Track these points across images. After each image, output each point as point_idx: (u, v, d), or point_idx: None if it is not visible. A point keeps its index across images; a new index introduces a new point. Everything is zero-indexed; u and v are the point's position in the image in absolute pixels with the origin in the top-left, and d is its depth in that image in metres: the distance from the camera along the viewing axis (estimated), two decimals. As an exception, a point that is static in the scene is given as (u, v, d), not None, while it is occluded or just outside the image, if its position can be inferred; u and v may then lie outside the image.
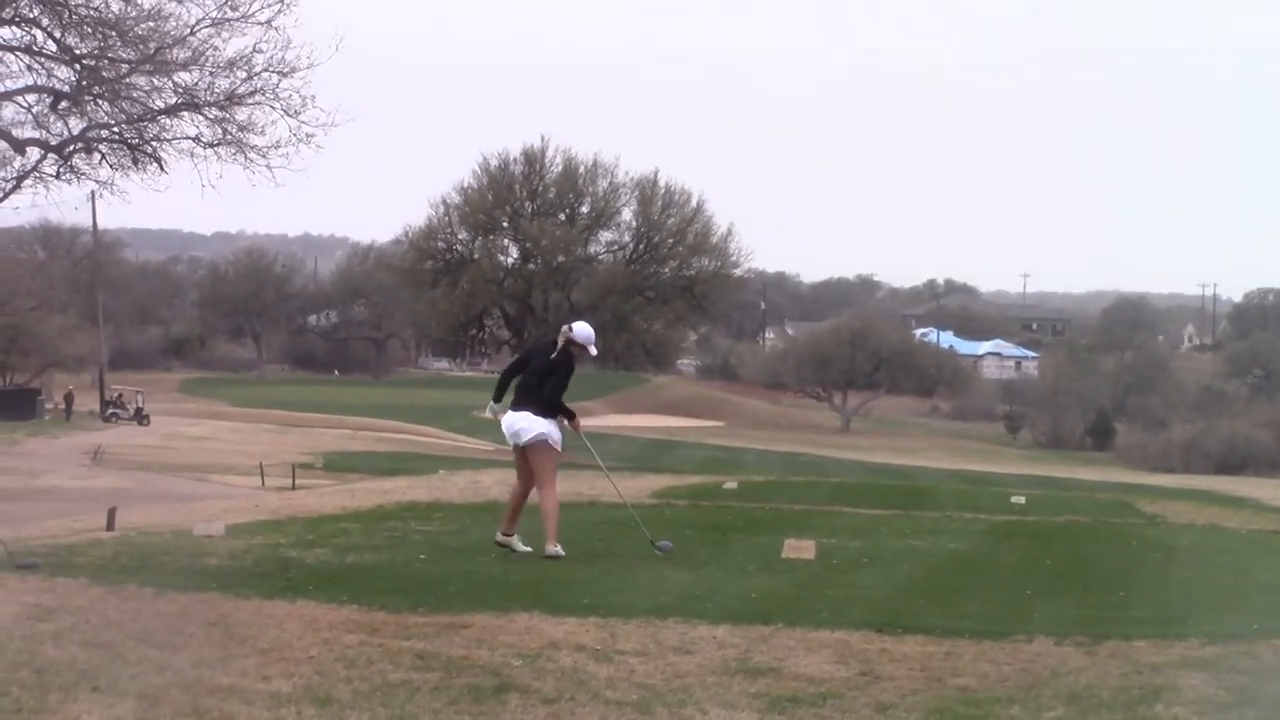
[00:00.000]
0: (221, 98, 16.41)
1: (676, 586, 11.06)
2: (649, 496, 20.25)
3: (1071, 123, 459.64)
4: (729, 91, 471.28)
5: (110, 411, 74.38)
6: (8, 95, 16.61)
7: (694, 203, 71.71)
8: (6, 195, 17.48)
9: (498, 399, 13.31)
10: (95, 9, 15.88)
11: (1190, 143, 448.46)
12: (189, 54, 16.20)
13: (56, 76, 16.50)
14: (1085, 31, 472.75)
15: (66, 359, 78.04)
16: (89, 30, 16.01)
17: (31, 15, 15.93)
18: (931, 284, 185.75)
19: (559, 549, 12.62)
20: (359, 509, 17.72)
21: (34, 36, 16.12)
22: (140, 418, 71.94)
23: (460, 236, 72.07)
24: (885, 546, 14.75)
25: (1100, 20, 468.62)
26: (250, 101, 16.45)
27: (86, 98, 16.47)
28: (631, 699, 7.17)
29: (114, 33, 15.91)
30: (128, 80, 16.30)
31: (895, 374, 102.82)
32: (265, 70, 16.34)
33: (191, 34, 16.13)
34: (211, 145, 16.68)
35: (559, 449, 13.05)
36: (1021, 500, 22.91)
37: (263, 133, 16.65)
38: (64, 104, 16.67)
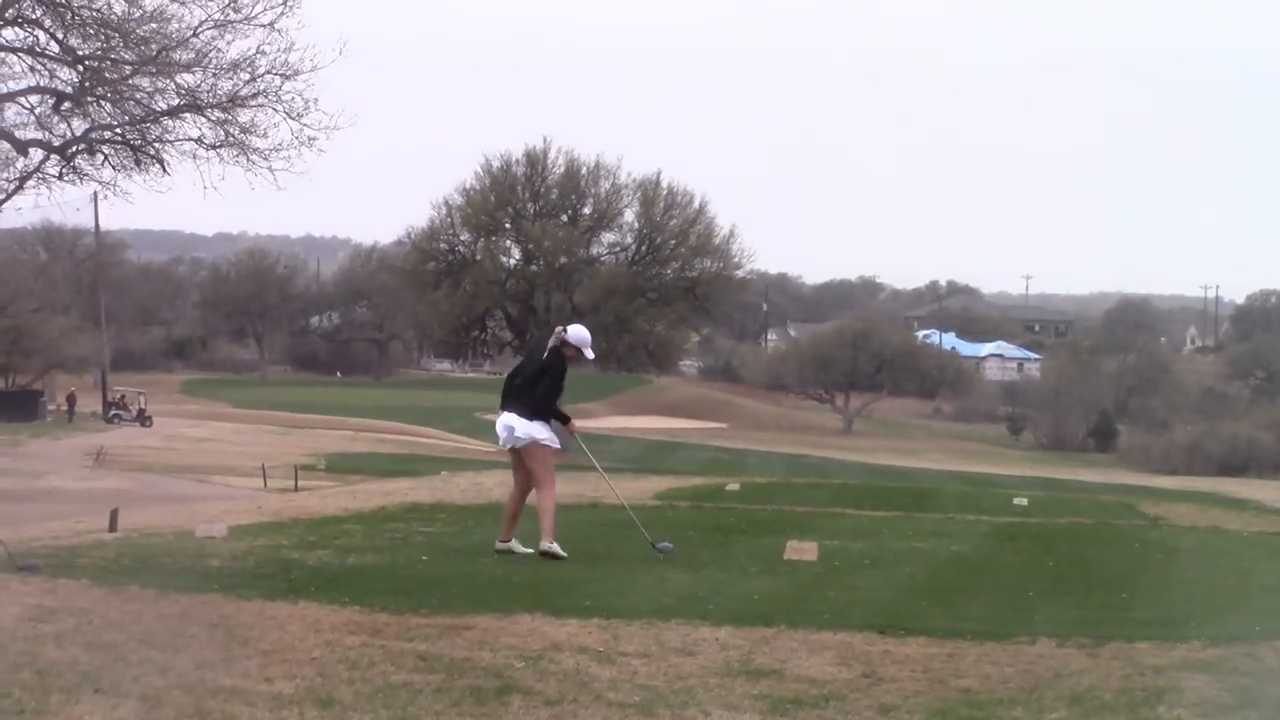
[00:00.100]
0: (224, 99, 16.43)
1: (679, 588, 11.06)
2: (651, 498, 20.24)
3: (1073, 123, 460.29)
4: (729, 92, 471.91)
5: (112, 413, 74.42)
6: (11, 96, 16.63)
7: (696, 204, 71.59)
8: (9, 196, 17.51)
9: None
10: (98, 10, 15.91)
11: (1192, 143, 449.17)
12: (192, 55, 16.22)
13: (59, 78, 16.53)
14: (1086, 31, 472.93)
15: (69, 360, 78.09)
16: (91, 31, 16.03)
17: (34, 16, 15.94)
18: (934, 285, 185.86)
19: (556, 547, 12.60)
20: (361, 510, 17.72)
21: (37, 38, 16.15)
22: (142, 419, 71.96)
23: (462, 238, 71.95)
24: (887, 548, 14.75)
25: (1101, 20, 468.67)
26: (253, 104, 16.49)
27: (89, 99, 16.49)
28: (634, 701, 7.17)
29: (116, 34, 15.93)
30: (130, 81, 16.31)
31: (897, 376, 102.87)
32: (268, 73, 16.37)
33: (194, 36, 16.15)
34: (214, 147, 16.71)
35: (555, 447, 13.02)
36: (1024, 502, 22.90)
37: (265, 135, 16.69)
38: (67, 105, 16.69)
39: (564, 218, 71.92)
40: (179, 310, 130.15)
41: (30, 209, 19.79)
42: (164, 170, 17.10)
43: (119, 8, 15.96)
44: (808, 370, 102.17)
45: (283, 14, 16.19)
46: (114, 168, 17.26)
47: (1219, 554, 15.51)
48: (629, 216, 72.61)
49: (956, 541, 15.76)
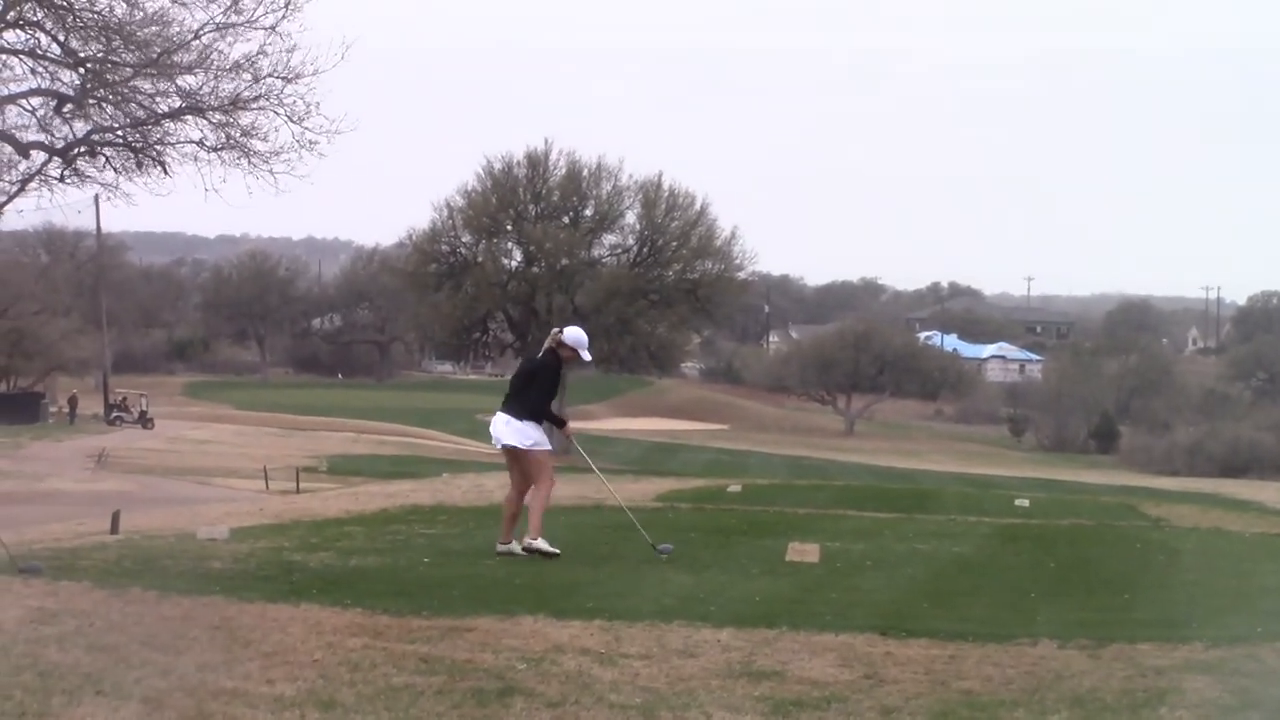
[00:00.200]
0: (225, 102, 16.43)
1: (680, 590, 11.06)
2: (653, 500, 20.25)
3: (1074, 124, 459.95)
4: (730, 92, 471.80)
5: (114, 415, 74.45)
6: (12, 98, 16.63)
7: (698, 206, 71.51)
8: (11, 198, 17.52)
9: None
10: (99, 13, 15.90)
11: (1194, 144, 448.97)
12: (193, 58, 16.22)
13: (61, 80, 16.54)
14: (1086, 31, 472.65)
15: (70, 362, 78.16)
16: (93, 34, 16.04)
17: (36, 19, 15.95)
18: (935, 287, 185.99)
19: (543, 543, 12.62)
20: (363, 512, 17.73)
21: (38, 40, 16.16)
22: (144, 421, 71.98)
23: (464, 239, 71.86)
24: (889, 550, 14.75)
25: (1101, 20, 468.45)
26: (254, 106, 16.48)
27: (90, 101, 16.49)
28: (636, 702, 7.16)
29: (118, 36, 15.93)
30: (132, 84, 16.31)
31: (899, 377, 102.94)
32: (270, 75, 16.37)
33: (195, 38, 16.15)
34: (215, 149, 16.71)
35: (546, 449, 13.03)
36: (1025, 503, 22.91)
37: (266, 139, 16.68)
38: (68, 107, 16.70)
39: (565, 219, 71.83)
40: (180, 312, 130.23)
41: (32, 211, 19.79)
42: (165, 172, 17.11)
43: (120, 10, 15.97)
44: (809, 372, 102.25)
45: (284, 17, 16.21)
46: (115, 170, 17.29)
47: (1221, 555, 15.52)
48: (630, 218, 72.54)
49: (958, 543, 15.77)
